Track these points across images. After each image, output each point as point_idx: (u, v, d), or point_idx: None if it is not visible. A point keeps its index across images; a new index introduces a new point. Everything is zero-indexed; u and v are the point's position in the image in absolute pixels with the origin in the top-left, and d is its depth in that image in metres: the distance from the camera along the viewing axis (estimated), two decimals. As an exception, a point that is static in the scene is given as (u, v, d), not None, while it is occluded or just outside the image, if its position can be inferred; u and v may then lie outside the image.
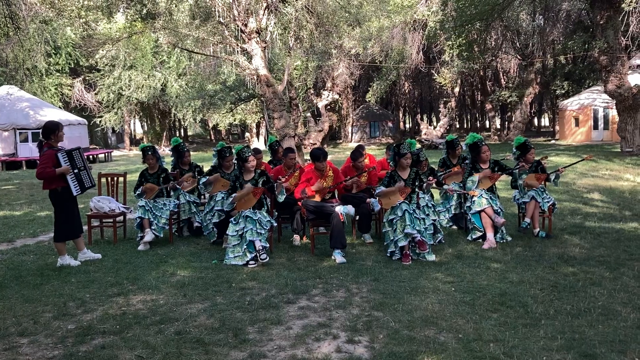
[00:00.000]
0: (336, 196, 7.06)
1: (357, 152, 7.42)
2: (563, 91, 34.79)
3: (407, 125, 58.73)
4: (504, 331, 3.99)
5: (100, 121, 36.25)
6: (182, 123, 42.61)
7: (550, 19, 31.11)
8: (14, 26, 15.57)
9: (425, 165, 7.41)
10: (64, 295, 5.03)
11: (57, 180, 5.98)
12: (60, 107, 32.53)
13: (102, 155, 29.29)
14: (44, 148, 6.03)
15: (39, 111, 26.86)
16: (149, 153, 7.39)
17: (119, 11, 19.41)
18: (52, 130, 6.04)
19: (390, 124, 45.31)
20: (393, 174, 6.55)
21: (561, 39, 32.95)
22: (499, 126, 41.46)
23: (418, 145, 7.33)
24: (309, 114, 35.48)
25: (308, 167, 7.15)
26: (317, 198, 6.68)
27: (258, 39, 16.90)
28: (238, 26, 16.76)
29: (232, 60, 18.29)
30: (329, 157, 6.90)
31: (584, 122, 30.82)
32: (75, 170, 6.10)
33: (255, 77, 17.53)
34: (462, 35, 24.85)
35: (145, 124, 46.59)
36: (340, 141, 42.15)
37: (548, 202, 7.14)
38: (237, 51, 17.73)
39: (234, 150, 6.99)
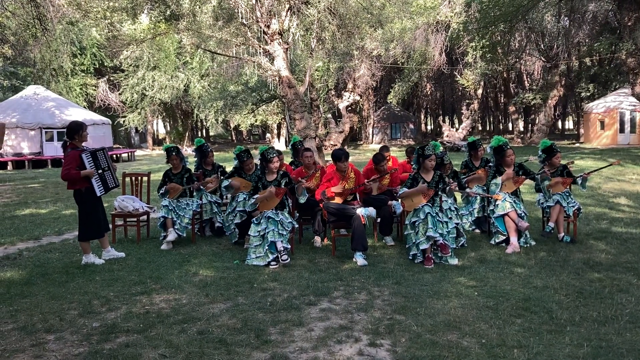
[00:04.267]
0: (357, 198, 7.04)
1: (380, 156, 7.37)
2: (588, 94, 34.24)
3: (429, 127, 58.43)
4: (528, 337, 3.93)
5: (123, 121, 36.73)
6: (204, 123, 42.93)
7: (575, 20, 30.68)
8: (42, 27, 15.86)
9: (449, 168, 7.35)
10: (88, 293, 5.10)
11: (81, 181, 6.06)
12: (84, 107, 33.05)
13: (126, 154, 29.67)
14: (68, 148, 6.11)
15: (64, 111, 27.34)
16: (173, 153, 7.46)
17: (143, 12, 19.64)
18: (75, 130, 6.11)
19: (411, 126, 45.11)
20: (416, 176, 6.51)
21: (587, 40, 32.46)
22: (522, 129, 41.00)
23: (441, 148, 7.28)
24: (329, 115, 35.48)
25: (330, 168, 7.14)
26: (339, 200, 6.67)
27: (280, 40, 16.96)
28: (261, 27, 16.85)
29: (254, 62, 18.39)
30: (349, 159, 6.90)
31: (610, 125, 30.29)
32: (99, 171, 6.17)
33: (277, 79, 17.61)
34: (486, 37, 24.64)
35: (167, 124, 47.12)
36: (361, 142, 42.09)
37: (573, 206, 7.04)
38: (260, 52, 17.82)
39: (256, 152, 7.01)
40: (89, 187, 6.10)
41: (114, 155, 27.23)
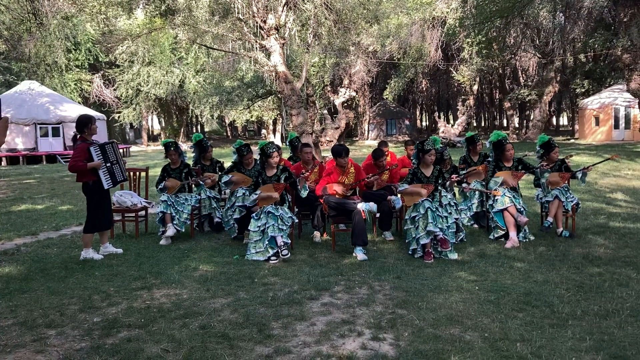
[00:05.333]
0: (357, 193, 7.04)
1: (379, 151, 7.38)
2: (583, 90, 34.38)
3: (424, 124, 58.49)
4: (530, 331, 3.94)
5: (118, 117, 36.63)
6: (200, 119, 42.84)
7: (571, 16, 30.70)
8: (37, 22, 15.74)
9: (448, 164, 7.35)
10: (88, 288, 5.07)
11: (88, 173, 6.08)
12: (79, 103, 32.92)
13: (120, 150, 29.52)
14: (77, 141, 6.14)
15: (59, 106, 27.24)
16: (172, 148, 7.43)
17: (138, 7, 19.53)
18: (85, 123, 6.16)
19: (407, 122, 45.14)
20: (416, 172, 6.50)
21: (582, 36, 32.52)
22: (517, 125, 41.07)
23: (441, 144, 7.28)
24: (325, 111, 35.46)
25: (329, 164, 7.13)
26: (339, 195, 6.65)
27: (277, 35, 16.90)
28: (257, 22, 16.77)
29: (250, 57, 18.32)
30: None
31: (605, 121, 30.42)
32: (108, 164, 6.18)
33: (273, 74, 17.54)
34: (482, 33, 24.64)
35: (163, 120, 46.97)
36: (357, 139, 42.09)
37: (572, 201, 7.06)
38: (256, 48, 17.74)
39: (255, 148, 7.00)
40: (96, 180, 6.12)
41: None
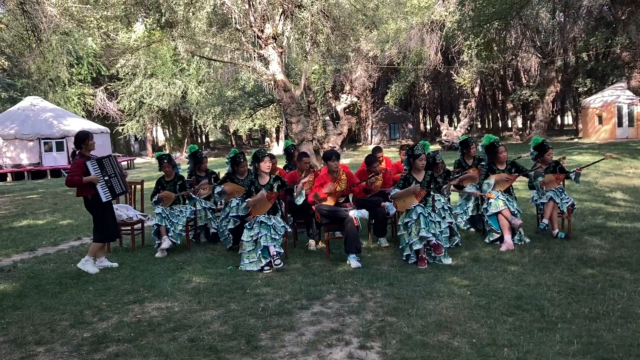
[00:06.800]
0: (350, 200, 7.03)
1: (372, 158, 7.38)
2: (585, 89, 34.25)
3: (428, 127, 58.43)
4: (518, 335, 3.92)
5: (122, 129, 36.80)
6: (203, 129, 42.97)
7: (570, 15, 30.61)
8: (36, 38, 15.89)
9: (441, 168, 7.34)
10: (81, 304, 5.09)
11: (86, 188, 6.16)
12: (83, 117, 33.13)
13: (125, 162, 29.71)
14: (76, 157, 6.24)
15: (62, 121, 27.40)
16: (165, 161, 7.47)
17: (137, 21, 19.68)
18: (82, 139, 6.26)
19: (410, 126, 45.10)
20: (408, 177, 6.50)
21: (582, 35, 32.40)
22: (520, 126, 40.94)
23: (433, 147, 7.27)
24: (327, 118, 35.47)
25: (323, 171, 7.13)
26: (331, 202, 6.65)
27: (275, 44, 16.96)
28: (255, 32, 16.85)
29: (249, 67, 18.39)
30: (348, 161, 6.92)
31: (608, 120, 30.25)
32: (106, 177, 6.25)
33: (272, 83, 17.59)
34: (481, 35, 24.60)
35: (167, 131, 47.18)
36: (360, 144, 42.08)
37: (567, 202, 7.03)
38: (254, 57, 17.82)
39: (249, 157, 7.02)
40: (94, 194, 6.21)
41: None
